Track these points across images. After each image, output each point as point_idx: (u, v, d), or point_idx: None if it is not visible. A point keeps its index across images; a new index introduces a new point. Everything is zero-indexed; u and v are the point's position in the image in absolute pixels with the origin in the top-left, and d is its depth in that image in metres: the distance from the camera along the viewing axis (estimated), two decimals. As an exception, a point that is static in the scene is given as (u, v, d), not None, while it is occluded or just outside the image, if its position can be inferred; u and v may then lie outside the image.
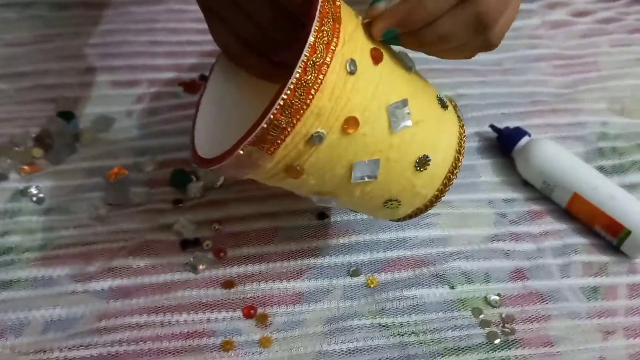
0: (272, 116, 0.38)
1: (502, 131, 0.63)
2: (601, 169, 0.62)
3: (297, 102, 0.38)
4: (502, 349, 0.50)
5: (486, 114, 0.66)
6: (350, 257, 0.55)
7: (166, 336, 0.49)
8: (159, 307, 0.51)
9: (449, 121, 0.46)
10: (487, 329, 0.51)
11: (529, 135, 0.62)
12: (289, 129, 0.38)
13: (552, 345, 0.50)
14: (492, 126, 0.64)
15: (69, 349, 0.48)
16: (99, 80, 0.67)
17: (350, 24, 0.41)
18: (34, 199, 0.57)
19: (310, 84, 0.38)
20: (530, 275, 0.55)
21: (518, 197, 0.60)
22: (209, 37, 0.47)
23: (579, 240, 0.57)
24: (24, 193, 0.58)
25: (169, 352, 0.49)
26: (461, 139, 0.46)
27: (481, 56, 0.72)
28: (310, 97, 0.38)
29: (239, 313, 0.51)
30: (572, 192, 0.57)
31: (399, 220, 0.49)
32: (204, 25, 0.47)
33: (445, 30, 0.40)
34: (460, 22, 0.40)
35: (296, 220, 0.57)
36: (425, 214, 0.56)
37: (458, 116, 0.48)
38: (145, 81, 0.67)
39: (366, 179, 0.43)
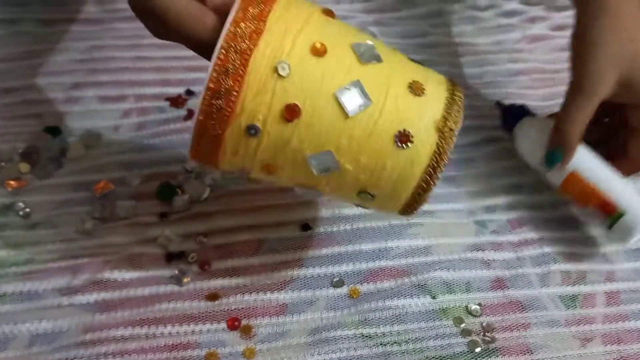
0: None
1: (507, 107, 0.65)
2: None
3: (222, 103, 0.40)
4: (483, 357, 0.51)
5: (467, 126, 0.68)
6: (333, 268, 0.56)
7: (151, 348, 0.50)
8: (144, 319, 0.51)
9: (428, 104, 0.42)
10: (468, 338, 0.52)
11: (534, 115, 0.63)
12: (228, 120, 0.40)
13: (532, 353, 0.51)
14: (498, 102, 0.66)
15: (55, 362, 0.49)
16: (86, 95, 0.67)
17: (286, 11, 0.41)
18: (21, 213, 0.58)
19: (233, 72, 0.39)
20: (510, 284, 0.56)
21: (498, 206, 0.62)
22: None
23: (558, 249, 0.59)
24: (10, 208, 0.58)
25: (154, 364, 0.49)
26: (445, 125, 0.42)
27: (463, 70, 0.74)
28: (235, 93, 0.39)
29: (223, 325, 0.52)
30: (569, 171, 0.57)
31: (404, 214, 0.47)
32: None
33: None
34: None
35: (280, 232, 0.57)
36: (411, 221, 0.57)
37: (450, 98, 0.43)
38: (131, 96, 0.68)
39: (325, 173, 0.42)
